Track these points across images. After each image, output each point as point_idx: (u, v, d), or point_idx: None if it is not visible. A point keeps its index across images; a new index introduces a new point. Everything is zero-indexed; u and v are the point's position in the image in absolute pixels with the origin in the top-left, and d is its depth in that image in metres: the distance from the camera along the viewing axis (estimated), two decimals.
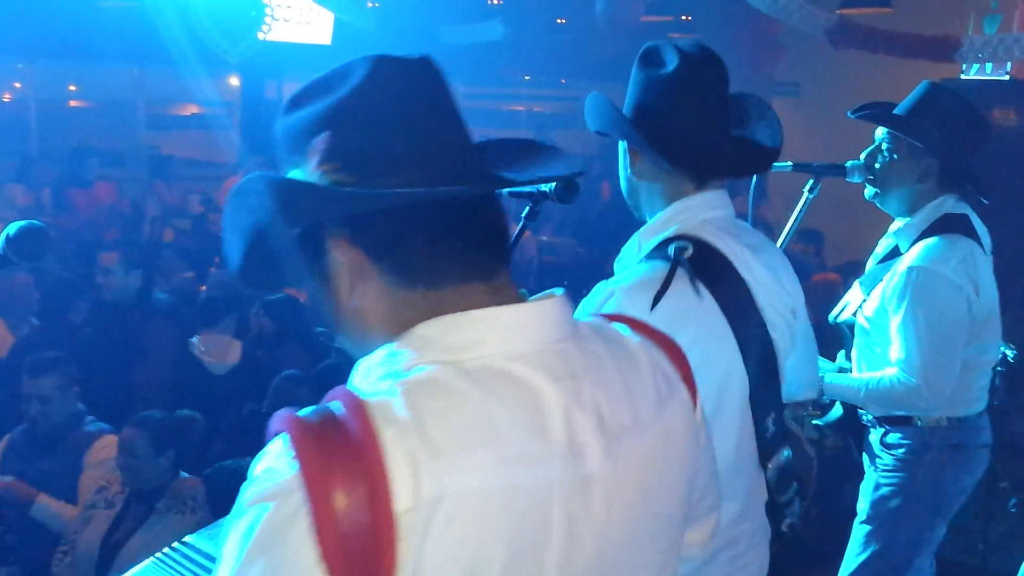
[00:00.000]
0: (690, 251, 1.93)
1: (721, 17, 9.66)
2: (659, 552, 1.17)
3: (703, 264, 1.95)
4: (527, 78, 13.22)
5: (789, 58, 10.14)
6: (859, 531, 3.16)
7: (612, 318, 1.27)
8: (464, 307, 1.06)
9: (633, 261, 2.05)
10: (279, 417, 0.98)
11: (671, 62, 1.99)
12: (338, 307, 1.11)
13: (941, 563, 3.29)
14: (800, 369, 2.27)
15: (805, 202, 3.06)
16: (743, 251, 2.02)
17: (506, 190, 2.67)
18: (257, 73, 9.44)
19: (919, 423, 3.01)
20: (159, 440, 3.63)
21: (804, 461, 2.37)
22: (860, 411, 3.16)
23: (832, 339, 3.23)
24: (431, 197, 1.04)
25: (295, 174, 1.09)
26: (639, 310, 1.85)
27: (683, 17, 11.15)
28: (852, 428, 3.25)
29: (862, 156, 3.06)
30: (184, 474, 3.74)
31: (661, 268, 1.93)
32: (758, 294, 2.00)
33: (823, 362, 3.11)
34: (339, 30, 8.79)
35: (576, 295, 2.14)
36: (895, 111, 3.02)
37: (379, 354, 1.06)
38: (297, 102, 1.11)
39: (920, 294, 2.84)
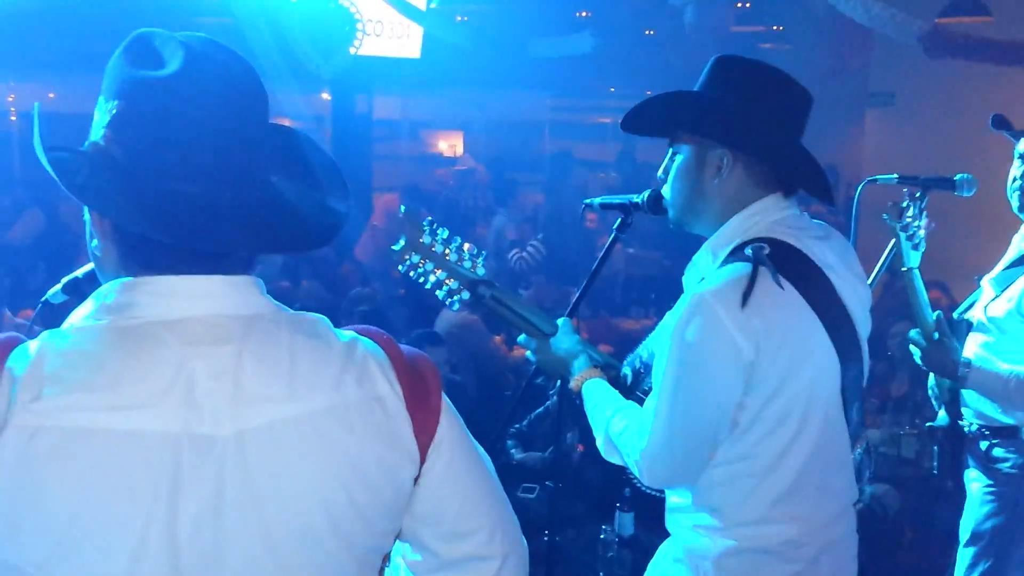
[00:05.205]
0: (767, 250, 1.94)
1: (813, 27, 9.52)
2: (290, 531, 1.18)
3: (783, 261, 1.95)
4: (612, 90, 13.19)
5: (883, 67, 9.95)
6: (964, 555, 3.01)
7: (364, 332, 1.30)
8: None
9: (709, 269, 2.04)
10: None
11: (771, 84, 2.03)
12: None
13: None
14: None
15: None
16: (815, 244, 2.02)
17: (598, 201, 2.69)
18: (348, 88, 9.57)
19: None
20: None
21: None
22: (961, 423, 3.03)
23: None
24: None
25: None
26: (730, 310, 1.87)
27: (774, 27, 11.00)
28: (951, 439, 3.10)
29: (1010, 177, 2.91)
30: None
31: (744, 269, 1.93)
32: (839, 286, 2.01)
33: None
34: (428, 44, 8.87)
35: (661, 309, 2.14)
36: None
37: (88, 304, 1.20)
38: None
39: None
